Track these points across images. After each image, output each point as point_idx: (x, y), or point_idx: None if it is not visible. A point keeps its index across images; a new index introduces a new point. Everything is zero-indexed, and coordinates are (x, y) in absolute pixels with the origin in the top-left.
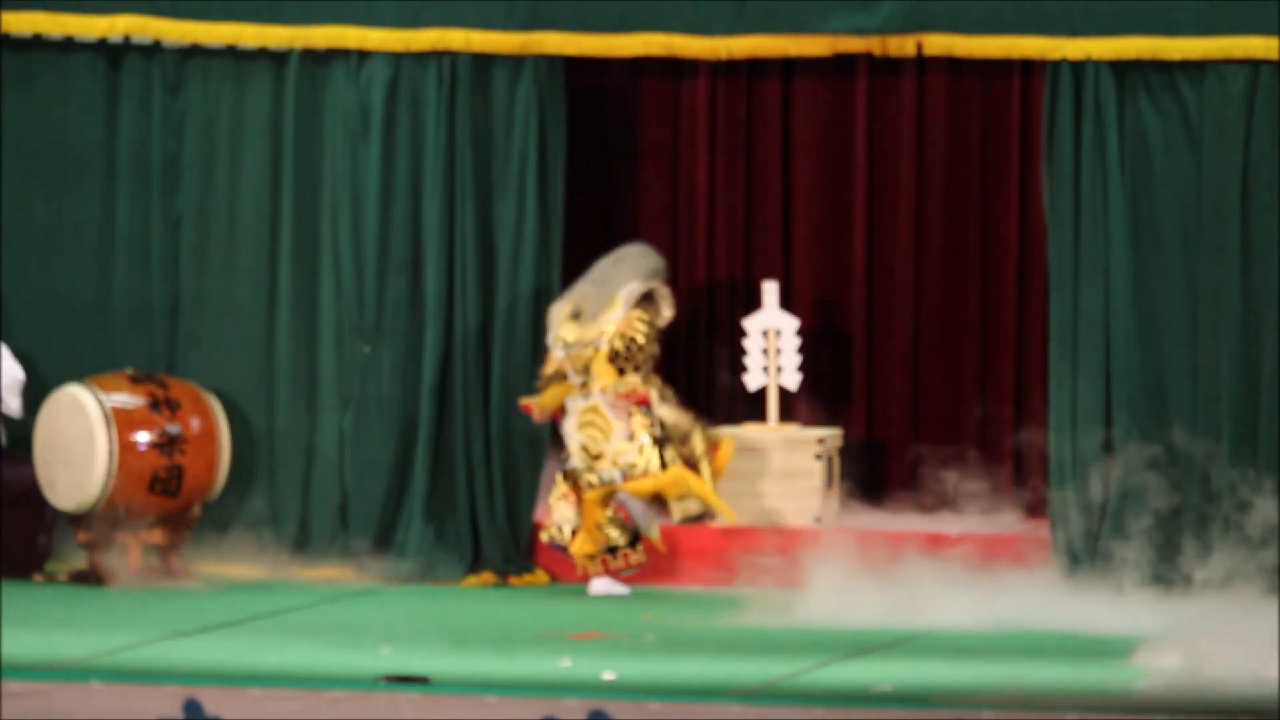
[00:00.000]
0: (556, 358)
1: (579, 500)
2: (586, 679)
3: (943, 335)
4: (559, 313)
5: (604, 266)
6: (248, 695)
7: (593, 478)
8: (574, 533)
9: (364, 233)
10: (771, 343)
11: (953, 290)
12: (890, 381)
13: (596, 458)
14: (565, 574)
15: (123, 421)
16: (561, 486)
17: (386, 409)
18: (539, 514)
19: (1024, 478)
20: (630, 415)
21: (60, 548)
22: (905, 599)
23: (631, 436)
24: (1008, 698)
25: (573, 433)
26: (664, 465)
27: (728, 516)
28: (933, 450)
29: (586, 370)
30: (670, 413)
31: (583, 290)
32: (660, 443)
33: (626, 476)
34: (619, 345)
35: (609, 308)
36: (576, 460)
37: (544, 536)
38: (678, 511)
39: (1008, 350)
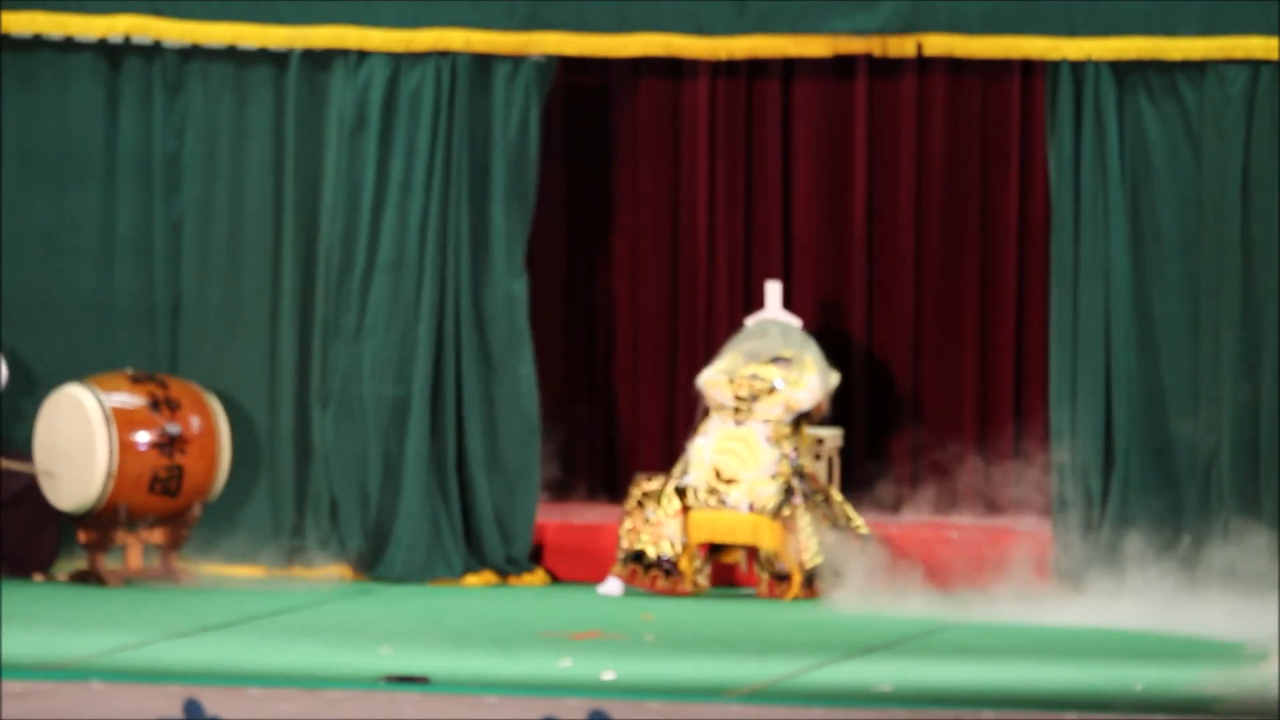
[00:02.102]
0: (717, 384)
1: (686, 519)
2: (586, 679)
3: (942, 335)
4: (737, 370)
5: (773, 338)
6: (248, 695)
7: (711, 499)
8: (684, 548)
9: (361, 232)
10: None
11: (952, 290)
12: (890, 381)
13: (728, 482)
14: (565, 574)
15: (123, 421)
16: (674, 503)
17: (382, 409)
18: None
19: (1024, 477)
20: (782, 455)
21: (60, 548)
22: (919, 598)
23: (775, 474)
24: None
25: (707, 450)
26: (778, 511)
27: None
28: (933, 450)
29: (752, 399)
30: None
31: (757, 347)
32: (789, 493)
33: (754, 509)
34: (815, 414)
35: (799, 368)
36: (695, 478)
37: (651, 552)
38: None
39: (1008, 349)
